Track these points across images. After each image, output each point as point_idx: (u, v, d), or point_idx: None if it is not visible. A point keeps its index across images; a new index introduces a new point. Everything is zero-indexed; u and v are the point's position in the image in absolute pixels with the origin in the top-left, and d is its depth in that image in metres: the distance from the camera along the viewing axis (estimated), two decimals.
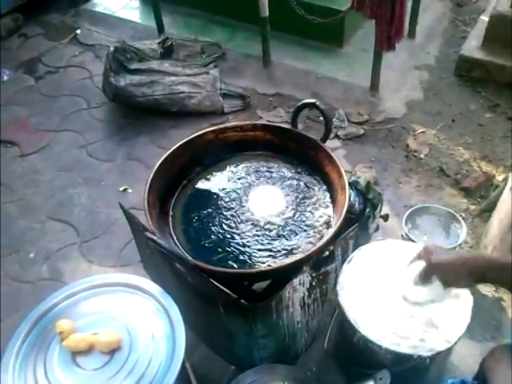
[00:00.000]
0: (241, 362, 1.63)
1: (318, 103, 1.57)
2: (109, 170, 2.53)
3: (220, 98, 2.83)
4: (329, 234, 1.38)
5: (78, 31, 3.49)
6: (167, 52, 2.99)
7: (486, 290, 1.92)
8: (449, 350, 1.36)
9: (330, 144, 2.55)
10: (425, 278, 1.31)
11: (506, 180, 2.27)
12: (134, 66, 2.72)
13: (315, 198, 1.59)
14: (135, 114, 2.77)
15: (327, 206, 1.56)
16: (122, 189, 2.42)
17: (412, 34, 3.08)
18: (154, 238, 1.34)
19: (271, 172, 1.67)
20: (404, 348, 1.35)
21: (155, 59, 2.88)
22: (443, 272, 1.25)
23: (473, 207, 2.21)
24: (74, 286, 1.40)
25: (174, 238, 1.52)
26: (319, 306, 1.64)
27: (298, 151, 1.66)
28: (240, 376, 1.53)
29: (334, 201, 1.56)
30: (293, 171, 1.66)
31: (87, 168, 2.54)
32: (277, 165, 1.69)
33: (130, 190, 2.42)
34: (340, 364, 1.69)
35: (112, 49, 2.68)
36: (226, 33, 3.35)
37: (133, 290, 1.42)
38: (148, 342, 1.29)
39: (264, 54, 3.03)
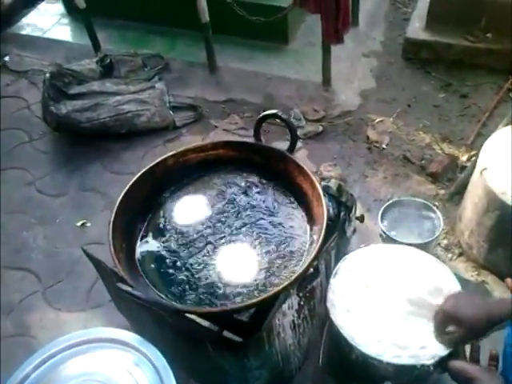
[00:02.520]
0: None
1: (279, 113, 1.49)
2: (63, 205, 2.36)
3: (170, 112, 2.70)
4: (313, 250, 1.30)
5: (7, 58, 3.26)
6: (107, 70, 2.83)
7: (469, 275, 1.91)
8: (450, 354, 1.31)
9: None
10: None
11: (470, 160, 2.28)
12: (73, 90, 2.55)
13: (290, 213, 1.50)
14: (82, 140, 2.61)
15: (304, 221, 1.48)
16: (79, 224, 2.26)
17: (355, 21, 3.04)
18: (128, 289, 1.23)
19: (239, 192, 1.57)
20: (405, 359, 1.29)
21: (95, 80, 2.72)
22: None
23: (442, 192, 2.20)
24: (45, 352, 1.26)
25: (146, 279, 1.40)
26: (309, 322, 1.57)
27: (265, 165, 1.58)
28: None
29: (309, 213, 1.48)
30: (262, 187, 1.57)
31: (39, 206, 2.36)
32: (243, 182, 1.59)
33: (88, 224, 2.26)
34: (338, 379, 1.63)
35: (48, 75, 2.51)
36: (166, 42, 3.21)
37: (109, 344, 1.31)
38: None
39: (209, 60, 2.92)
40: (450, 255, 1.97)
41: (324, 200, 1.39)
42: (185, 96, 2.86)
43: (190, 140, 2.64)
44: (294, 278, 1.25)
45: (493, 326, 1.19)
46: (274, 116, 1.53)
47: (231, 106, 2.80)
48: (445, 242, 2.01)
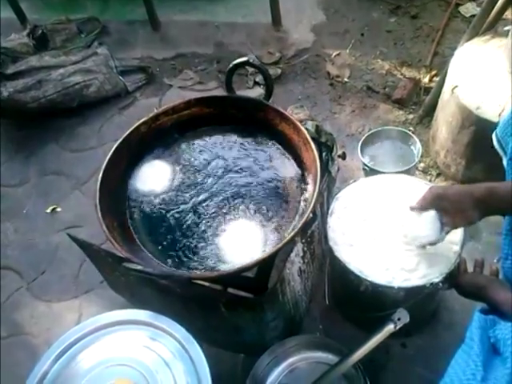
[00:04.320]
0: (251, 348, 1.55)
1: (251, 60, 1.42)
2: (26, 194, 2.22)
3: (120, 78, 2.55)
4: (312, 196, 1.28)
5: None
6: (41, 42, 2.62)
7: None
8: (456, 268, 1.36)
9: (253, 93, 2.44)
10: (425, 207, 1.23)
11: (432, 80, 2.30)
12: (10, 69, 2.34)
13: (278, 162, 1.47)
14: (32, 122, 2.43)
15: (294, 167, 1.45)
16: (49, 210, 2.14)
17: None
18: (138, 268, 1.18)
19: (221, 148, 1.51)
20: (415, 281, 1.33)
21: (31, 55, 2.51)
22: (449, 202, 1.18)
23: (411, 116, 2.21)
24: (59, 346, 1.21)
25: (146, 251, 1.34)
26: (311, 266, 1.58)
27: (243, 117, 1.51)
28: (257, 363, 1.47)
29: (298, 159, 1.45)
30: (244, 140, 1.52)
31: (0, 199, 2.21)
32: (225, 138, 1.53)
33: (59, 209, 2.14)
34: (346, 314, 1.66)
35: None
36: (97, 3, 2.99)
37: (120, 327, 1.27)
38: (163, 369, 1.17)
39: (150, 15, 2.75)
40: (428, 177, 2.00)
41: (313, 144, 1.36)
42: (131, 58, 2.70)
43: (146, 103, 2.52)
44: (299, 226, 1.23)
45: (481, 206, 1.14)
46: (245, 63, 1.45)
47: (182, 62, 2.67)
48: (421, 165, 2.04)
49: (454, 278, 1.36)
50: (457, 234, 1.39)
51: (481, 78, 1.72)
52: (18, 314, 1.85)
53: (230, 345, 1.58)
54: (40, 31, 2.63)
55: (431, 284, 1.32)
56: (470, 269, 1.38)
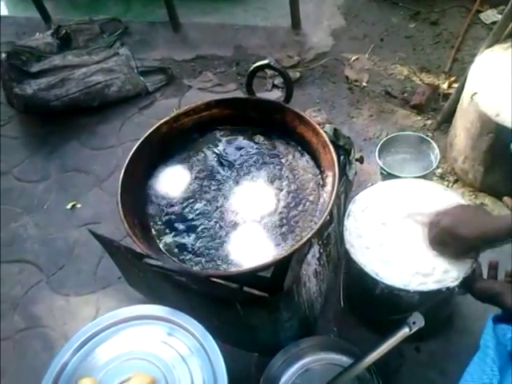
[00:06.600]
0: (265, 348, 1.57)
1: (272, 63, 1.43)
2: (47, 190, 2.26)
3: (140, 78, 2.59)
4: (330, 199, 1.29)
5: None
6: (65, 42, 2.68)
7: (467, 199, 1.95)
8: (472, 273, 1.36)
9: (271, 96, 2.47)
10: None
11: (450, 86, 2.30)
12: (35, 68, 2.40)
13: (297, 164, 1.48)
14: (54, 119, 2.48)
15: (312, 169, 1.46)
16: (69, 206, 2.18)
17: None
18: (159, 263, 1.20)
19: (241, 149, 1.53)
20: (431, 285, 1.33)
21: (54, 54, 2.57)
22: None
23: (429, 122, 2.21)
24: (78, 338, 1.24)
25: (164, 249, 1.37)
26: (327, 268, 1.59)
27: (263, 119, 1.53)
28: (270, 363, 1.48)
29: (316, 161, 1.46)
30: (264, 142, 1.54)
31: (22, 194, 2.26)
32: (244, 140, 1.55)
33: (78, 205, 2.19)
34: (360, 316, 1.67)
35: (4, 55, 2.34)
36: (120, 4, 3.04)
37: (139, 321, 1.30)
38: (180, 364, 1.20)
39: (171, 17, 2.78)
40: (445, 183, 2.00)
41: (331, 147, 1.37)
42: (151, 59, 2.74)
43: (166, 104, 2.56)
44: (316, 227, 1.24)
45: (488, 245, 1.27)
46: (266, 66, 1.47)
47: (202, 63, 2.71)
48: (439, 170, 2.04)
49: (470, 283, 1.36)
50: None
51: (501, 86, 1.72)
52: (36, 307, 1.89)
53: (245, 343, 1.60)
54: (64, 31, 2.69)
55: (447, 288, 1.33)
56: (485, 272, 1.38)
